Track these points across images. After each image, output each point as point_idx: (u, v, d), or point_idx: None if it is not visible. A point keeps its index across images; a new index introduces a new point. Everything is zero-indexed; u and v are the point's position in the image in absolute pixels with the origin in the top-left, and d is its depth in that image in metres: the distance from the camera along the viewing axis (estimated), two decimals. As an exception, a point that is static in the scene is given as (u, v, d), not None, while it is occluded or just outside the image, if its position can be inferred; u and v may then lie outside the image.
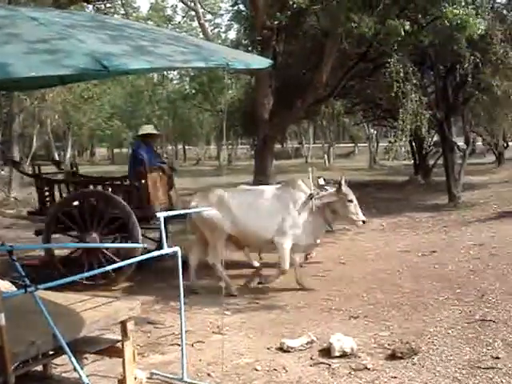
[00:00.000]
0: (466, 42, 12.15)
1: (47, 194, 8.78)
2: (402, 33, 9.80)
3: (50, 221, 8.10)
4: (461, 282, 7.25)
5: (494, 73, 15.04)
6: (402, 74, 10.72)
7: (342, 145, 49.91)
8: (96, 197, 8.26)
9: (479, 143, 36.93)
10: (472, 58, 12.89)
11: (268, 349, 5.27)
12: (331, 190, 7.50)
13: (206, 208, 7.07)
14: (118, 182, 8.58)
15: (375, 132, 39.74)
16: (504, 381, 4.30)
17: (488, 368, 4.52)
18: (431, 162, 22.62)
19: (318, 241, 7.97)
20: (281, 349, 5.20)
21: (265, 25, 11.79)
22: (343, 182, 7.34)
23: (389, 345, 5.13)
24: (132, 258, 5.14)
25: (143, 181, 8.13)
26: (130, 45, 2.73)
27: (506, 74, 15.30)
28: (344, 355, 4.91)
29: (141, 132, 9.41)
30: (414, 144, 21.55)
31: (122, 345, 3.99)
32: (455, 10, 10.16)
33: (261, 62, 3.97)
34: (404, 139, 11.71)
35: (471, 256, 8.69)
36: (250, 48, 14.82)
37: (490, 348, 4.93)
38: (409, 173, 23.63)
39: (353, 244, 10.56)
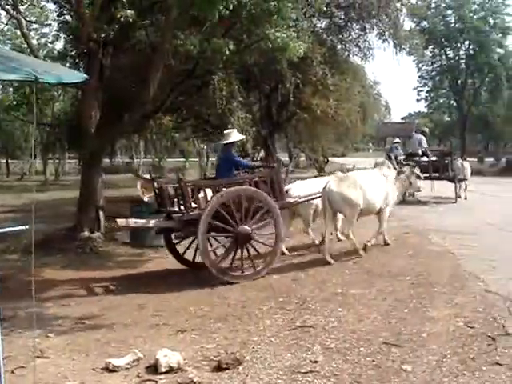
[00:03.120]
0: (288, 63, 12.80)
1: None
2: (227, 52, 10.04)
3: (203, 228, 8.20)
4: (284, 290, 7.58)
5: (313, 93, 16.02)
6: (226, 92, 10.99)
7: (173, 159, 49.96)
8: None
9: (303, 159, 38.99)
10: (293, 78, 13.63)
11: (93, 370, 5.11)
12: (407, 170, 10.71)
13: None
14: None
15: (205, 147, 40.34)
16: (322, 383, 4.55)
17: (307, 372, 4.75)
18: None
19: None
20: (107, 369, 5.07)
21: (91, 37, 11.49)
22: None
23: (215, 357, 5.20)
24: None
25: None
26: None
27: (325, 94, 16.37)
28: (171, 370, 4.91)
29: None
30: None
31: None
32: (277, 33, 10.60)
33: (75, 77, 3.90)
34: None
35: (294, 265, 9.12)
36: (76, 60, 14.39)
37: (309, 353, 5.19)
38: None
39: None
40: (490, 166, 44.31)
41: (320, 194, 9.45)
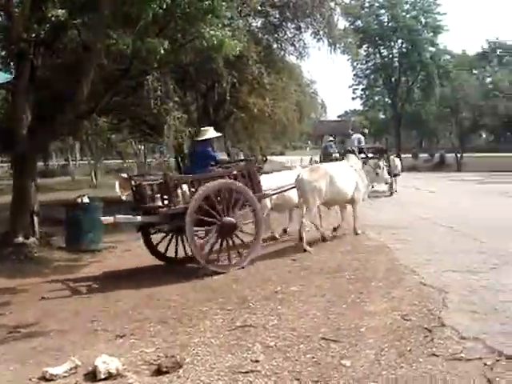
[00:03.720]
0: (224, 62, 12.78)
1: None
2: (162, 51, 9.92)
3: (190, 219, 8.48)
4: (224, 290, 7.55)
5: (250, 92, 16.06)
6: (162, 92, 10.87)
7: (110, 161, 49.11)
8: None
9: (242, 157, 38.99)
10: (230, 77, 13.61)
11: (30, 380, 4.94)
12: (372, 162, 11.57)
13: None
14: None
15: (143, 148, 39.87)
16: (263, 382, 4.55)
17: (248, 372, 4.73)
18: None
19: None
20: (43, 378, 4.91)
21: (21, 37, 11.14)
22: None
23: (155, 360, 5.12)
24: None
25: None
26: None
27: (261, 93, 16.44)
28: (110, 377, 4.80)
29: None
30: (179, 159, 21.98)
31: None
32: (212, 32, 10.56)
33: (-1, 78, 3.75)
34: (169, 155, 11.90)
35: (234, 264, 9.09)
36: (8, 60, 13.92)
37: (250, 352, 5.17)
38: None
39: (120, 261, 10.46)
40: (424, 162, 45.61)
41: (290, 187, 10.31)
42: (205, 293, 7.54)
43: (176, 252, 9.72)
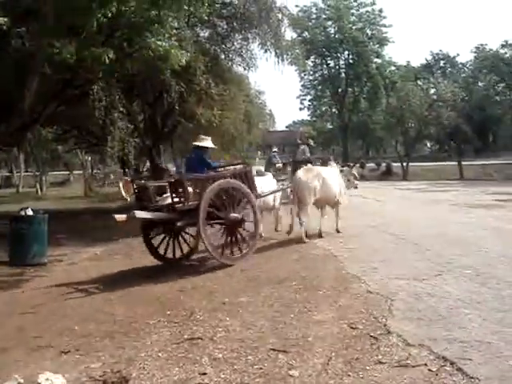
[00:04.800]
0: (171, 72, 12.71)
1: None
2: (107, 61, 9.80)
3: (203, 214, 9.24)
4: (172, 303, 7.45)
5: (198, 102, 16.03)
6: (105, 102, 10.73)
7: (56, 172, 48.23)
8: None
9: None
10: (177, 87, 13.53)
11: (-30, 400, 4.79)
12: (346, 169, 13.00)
13: None
14: None
15: (89, 159, 39.28)
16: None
17: (196, 384, 4.68)
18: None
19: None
20: (-16, 397, 4.77)
21: (-39, 46, 10.83)
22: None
23: (100, 376, 5.00)
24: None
25: None
26: None
27: (209, 104, 16.43)
28: (54, 394, 4.68)
29: None
30: (126, 170, 21.80)
31: None
32: (158, 42, 10.51)
33: None
34: (113, 166, 11.75)
35: (180, 277, 9.03)
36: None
37: (197, 365, 5.11)
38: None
39: (67, 275, 10.20)
40: (371, 171, 46.29)
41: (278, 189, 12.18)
42: (152, 306, 7.43)
43: (174, 252, 10.33)
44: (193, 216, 9.24)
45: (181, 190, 9.45)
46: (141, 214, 9.36)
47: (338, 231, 11.92)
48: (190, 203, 9.30)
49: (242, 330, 6.00)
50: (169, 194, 9.81)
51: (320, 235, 11.54)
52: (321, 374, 4.68)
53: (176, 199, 9.47)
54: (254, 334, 5.81)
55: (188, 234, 10.48)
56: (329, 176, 11.54)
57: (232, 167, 11.28)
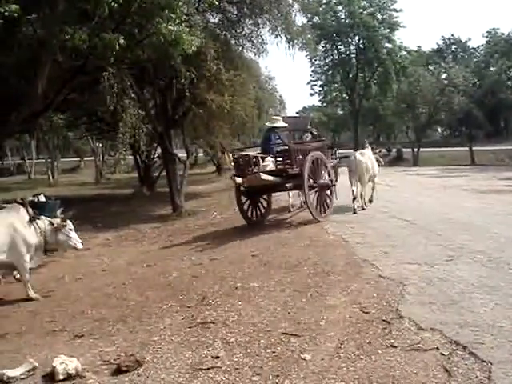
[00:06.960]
0: (182, 58, 12.67)
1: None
2: (117, 47, 9.79)
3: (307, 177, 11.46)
4: (184, 288, 7.51)
5: (208, 88, 15.97)
6: (117, 89, 10.72)
7: (67, 159, 48.41)
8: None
9: (201, 154, 38.85)
10: (188, 73, 13.49)
11: (-14, 382, 4.85)
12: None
13: None
14: None
15: (100, 145, 39.36)
16: (224, 378, 4.53)
17: (209, 368, 4.71)
18: (156, 174, 23.10)
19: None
20: (1, 380, 4.81)
21: (-28, 33, 10.84)
22: None
23: (114, 360, 5.06)
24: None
25: None
26: None
27: (220, 90, 16.37)
28: (69, 377, 4.73)
29: None
30: (137, 157, 21.83)
31: None
32: (169, 27, 10.48)
33: None
34: (124, 152, 11.78)
35: (192, 262, 9.08)
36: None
37: (210, 349, 5.15)
38: (135, 185, 23.83)
39: (79, 261, 10.30)
40: (382, 157, 46.02)
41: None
42: (164, 291, 7.49)
43: (257, 214, 12.63)
44: (299, 180, 11.32)
45: (289, 157, 11.32)
46: (266, 177, 11.05)
47: (371, 201, 13.82)
48: (295, 168, 11.23)
49: (255, 314, 6.04)
50: (267, 163, 11.52)
51: (363, 207, 13.12)
52: (333, 358, 4.71)
53: (282, 166, 11.35)
54: (267, 319, 5.84)
55: (262, 200, 12.71)
56: (373, 158, 13.75)
57: (315, 143, 13.09)
